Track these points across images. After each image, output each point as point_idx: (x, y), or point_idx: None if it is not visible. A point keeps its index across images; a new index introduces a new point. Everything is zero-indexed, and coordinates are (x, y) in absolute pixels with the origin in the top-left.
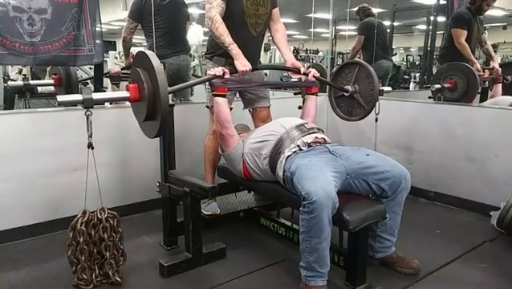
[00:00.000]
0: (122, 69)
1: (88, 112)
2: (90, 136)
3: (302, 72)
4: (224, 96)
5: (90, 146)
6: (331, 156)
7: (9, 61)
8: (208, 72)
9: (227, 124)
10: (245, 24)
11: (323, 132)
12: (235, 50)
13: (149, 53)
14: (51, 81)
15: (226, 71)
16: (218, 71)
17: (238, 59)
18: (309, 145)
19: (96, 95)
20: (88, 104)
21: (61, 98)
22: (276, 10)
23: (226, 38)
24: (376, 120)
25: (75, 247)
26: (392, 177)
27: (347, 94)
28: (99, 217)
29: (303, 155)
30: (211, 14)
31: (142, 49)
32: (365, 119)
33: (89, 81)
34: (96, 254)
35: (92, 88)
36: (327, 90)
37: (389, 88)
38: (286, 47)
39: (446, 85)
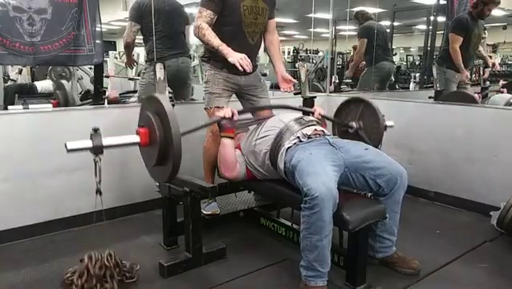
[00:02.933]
0: (120, 94)
1: (97, 159)
2: (99, 183)
3: (292, 84)
4: (232, 138)
5: (98, 192)
6: (331, 147)
7: (9, 61)
8: (216, 114)
9: (232, 165)
10: (242, 33)
11: (322, 124)
12: (225, 49)
13: (161, 97)
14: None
15: (235, 112)
16: (227, 112)
17: (231, 55)
18: (309, 137)
19: (106, 142)
20: (98, 151)
21: (71, 145)
22: (272, 21)
23: (214, 41)
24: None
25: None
26: (389, 174)
27: (351, 130)
28: (106, 264)
29: (304, 147)
30: (197, 23)
31: (142, 49)
32: None
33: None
34: None
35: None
36: (332, 125)
37: (392, 123)
38: (279, 60)
39: None
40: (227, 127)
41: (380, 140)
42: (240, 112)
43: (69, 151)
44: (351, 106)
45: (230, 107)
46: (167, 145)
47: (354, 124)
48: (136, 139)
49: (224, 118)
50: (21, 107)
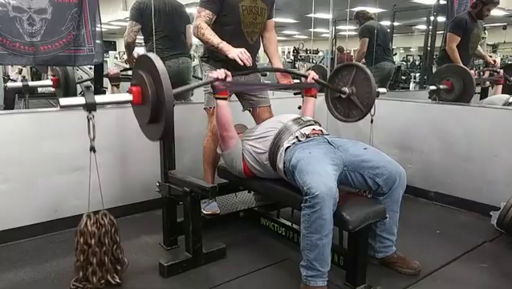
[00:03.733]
0: (121, 70)
1: (91, 116)
2: (92, 140)
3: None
4: (226, 99)
5: (92, 149)
6: (330, 146)
7: (9, 61)
8: (209, 75)
9: (228, 126)
10: (241, 33)
11: (320, 124)
12: (225, 46)
13: (153, 56)
14: (49, 82)
15: (228, 73)
16: (220, 73)
17: (230, 51)
18: (307, 136)
19: (98, 99)
20: (91, 108)
21: (63, 101)
22: (271, 21)
23: (213, 39)
24: (372, 121)
25: (87, 251)
26: (388, 173)
27: (344, 96)
28: (102, 221)
29: (303, 146)
30: (196, 23)
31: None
32: (365, 119)
33: (90, 82)
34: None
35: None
36: (325, 91)
37: (384, 90)
38: (277, 58)
39: (443, 86)
40: (221, 88)
41: (372, 105)
42: (234, 76)
43: (62, 107)
44: (344, 72)
45: (224, 69)
46: (159, 103)
47: (346, 90)
48: (129, 97)
49: (217, 79)
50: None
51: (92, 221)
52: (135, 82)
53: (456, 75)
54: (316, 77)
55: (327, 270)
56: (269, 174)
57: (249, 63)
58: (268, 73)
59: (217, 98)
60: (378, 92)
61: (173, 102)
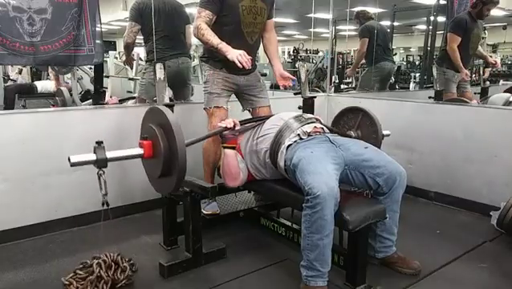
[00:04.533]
0: (120, 101)
1: (101, 172)
2: (105, 195)
3: (291, 80)
4: (234, 148)
5: (104, 204)
6: (331, 145)
7: (9, 61)
8: (219, 124)
9: (236, 175)
10: (241, 33)
11: (321, 122)
12: (225, 47)
13: (164, 109)
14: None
15: (237, 122)
16: (229, 122)
17: (230, 52)
18: (309, 134)
19: (110, 155)
20: (102, 165)
21: (74, 159)
22: (271, 21)
23: (213, 40)
24: None
25: None
26: (388, 173)
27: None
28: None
29: (304, 145)
30: (196, 24)
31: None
32: None
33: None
34: None
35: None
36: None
37: (388, 132)
38: (277, 58)
39: None
40: (229, 137)
41: (378, 148)
42: (242, 122)
43: (72, 165)
44: (350, 115)
45: (232, 118)
46: (172, 157)
47: (352, 134)
48: (140, 151)
49: (226, 128)
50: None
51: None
52: (145, 135)
53: None
54: (321, 122)
55: (327, 271)
56: (270, 174)
57: (248, 65)
58: (268, 73)
59: (225, 147)
60: (383, 135)
61: (173, 100)
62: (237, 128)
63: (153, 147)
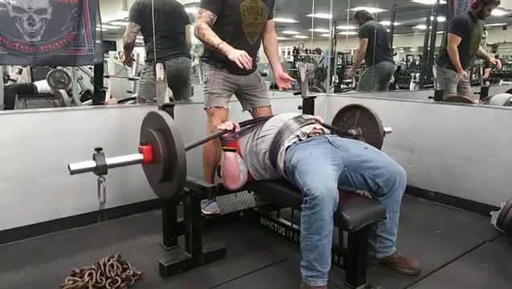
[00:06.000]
0: (119, 102)
1: (101, 179)
2: (102, 204)
3: (290, 81)
4: (234, 151)
5: (101, 212)
6: (331, 146)
7: (9, 61)
8: (218, 127)
9: (236, 177)
10: (242, 33)
11: (321, 122)
12: (225, 47)
13: (163, 114)
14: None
15: (237, 124)
16: (229, 125)
17: (231, 52)
18: (308, 136)
19: (109, 161)
20: (102, 171)
21: (74, 166)
22: (271, 21)
23: (214, 40)
24: None
25: None
26: (388, 174)
27: (350, 138)
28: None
29: (303, 146)
30: (197, 24)
31: (142, 49)
32: None
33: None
34: None
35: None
36: (330, 132)
37: (390, 129)
38: (277, 59)
39: None
40: (229, 140)
41: (380, 145)
42: (241, 124)
43: (72, 173)
44: (348, 114)
45: (232, 121)
46: (172, 161)
47: (353, 132)
48: (140, 157)
49: (226, 131)
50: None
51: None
52: (145, 140)
53: None
54: (322, 121)
55: (327, 271)
56: (270, 174)
57: (249, 66)
58: (268, 73)
59: (224, 150)
60: (384, 132)
61: (172, 100)
62: (237, 130)
63: (153, 152)
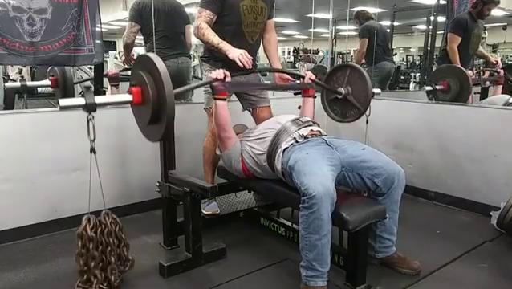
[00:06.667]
0: (120, 71)
1: (91, 116)
2: (93, 141)
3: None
4: (224, 100)
5: (92, 151)
6: (328, 147)
7: (9, 61)
8: (208, 75)
9: (226, 127)
10: (242, 33)
11: (319, 125)
12: (225, 46)
13: (153, 56)
14: (48, 82)
15: (227, 73)
16: (219, 74)
17: (231, 52)
18: (305, 137)
19: (99, 99)
20: (91, 109)
21: (63, 102)
22: (271, 21)
23: (214, 39)
24: (367, 121)
25: (85, 255)
26: (386, 174)
27: (340, 96)
28: (104, 222)
29: (300, 147)
30: (197, 23)
31: (142, 49)
32: (365, 119)
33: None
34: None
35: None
36: (321, 93)
37: (379, 90)
38: (277, 59)
39: (439, 87)
40: (220, 89)
41: (369, 103)
42: (232, 75)
43: (62, 108)
44: (338, 73)
45: (223, 70)
46: (160, 103)
47: (342, 90)
48: (129, 97)
49: (216, 79)
50: None
51: (92, 224)
52: (134, 82)
53: (452, 76)
54: (313, 77)
55: (326, 270)
56: (267, 175)
57: (249, 65)
58: (268, 73)
59: (215, 98)
60: (373, 93)
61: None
62: (228, 79)
63: (142, 94)
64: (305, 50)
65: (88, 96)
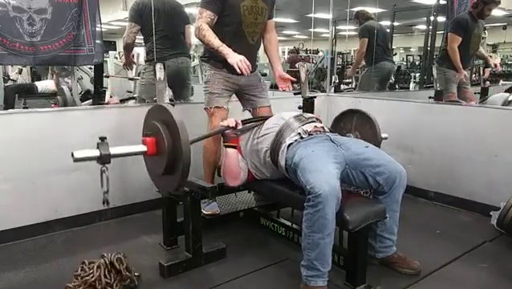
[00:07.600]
0: (120, 101)
1: (104, 168)
2: (106, 193)
3: (290, 83)
4: (235, 148)
5: (105, 202)
6: (332, 144)
7: (9, 61)
8: (220, 124)
9: (237, 174)
10: (242, 33)
11: (322, 121)
12: (225, 50)
13: (168, 106)
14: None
15: (239, 121)
16: (231, 122)
17: (230, 56)
18: (309, 133)
19: (113, 151)
20: (105, 161)
21: (78, 154)
22: (271, 21)
23: (214, 41)
24: None
25: None
26: (388, 173)
27: None
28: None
29: (305, 144)
30: (198, 24)
31: (142, 49)
32: None
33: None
34: None
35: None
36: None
37: (386, 135)
38: (277, 59)
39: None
40: (231, 136)
41: (379, 147)
42: (244, 122)
43: (75, 160)
44: (345, 118)
45: (234, 118)
46: (176, 155)
47: (351, 136)
48: (143, 148)
49: (228, 127)
50: None
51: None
52: (149, 132)
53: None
54: (319, 126)
55: (327, 270)
56: (271, 175)
57: (247, 72)
58: (268, 73)
59: (226, 146)
60: (381, 138)
61: (173, 100)
62: (239, 127)
63: (157, 144)
64: (296, 51)
65: (103, 148)
